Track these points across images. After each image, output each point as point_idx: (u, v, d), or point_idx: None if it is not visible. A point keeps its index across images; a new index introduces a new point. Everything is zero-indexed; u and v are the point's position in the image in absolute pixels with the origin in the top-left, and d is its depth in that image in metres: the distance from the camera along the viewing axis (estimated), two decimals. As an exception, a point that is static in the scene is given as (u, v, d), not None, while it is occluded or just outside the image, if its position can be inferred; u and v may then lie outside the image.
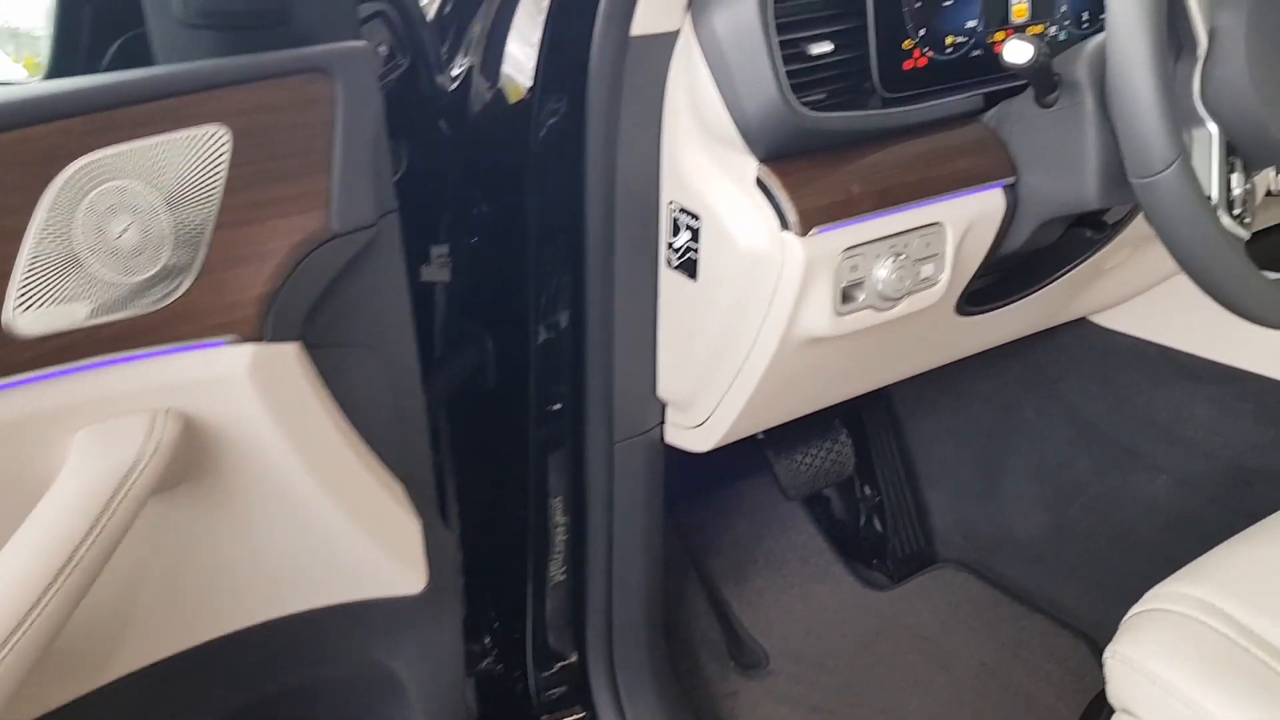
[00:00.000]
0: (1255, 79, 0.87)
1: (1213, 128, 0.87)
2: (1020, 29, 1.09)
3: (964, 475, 1.61)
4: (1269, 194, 1.36)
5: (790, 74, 0.94)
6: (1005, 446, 1.56)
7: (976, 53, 1.07)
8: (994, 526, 1.58)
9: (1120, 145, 0.83)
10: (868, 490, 1.66)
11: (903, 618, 1.51)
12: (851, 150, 0.97)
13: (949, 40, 1.04)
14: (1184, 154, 0.81)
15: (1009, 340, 1.34)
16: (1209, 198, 0.85)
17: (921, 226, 1.00)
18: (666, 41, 0.95)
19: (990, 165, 1.03)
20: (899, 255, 0.98)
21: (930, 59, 1.04)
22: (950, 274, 1.03)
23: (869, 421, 1.65)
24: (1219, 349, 1.31)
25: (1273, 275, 0.89)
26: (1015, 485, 1.55)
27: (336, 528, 0.83)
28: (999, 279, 1.19)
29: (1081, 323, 1.44)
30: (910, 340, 1.13)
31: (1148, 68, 0.80)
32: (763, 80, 0.90)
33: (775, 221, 0.93)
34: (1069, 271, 1.19)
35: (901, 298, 1.00)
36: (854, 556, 1.63)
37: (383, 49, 0.94)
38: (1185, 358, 1.35)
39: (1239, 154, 0.89)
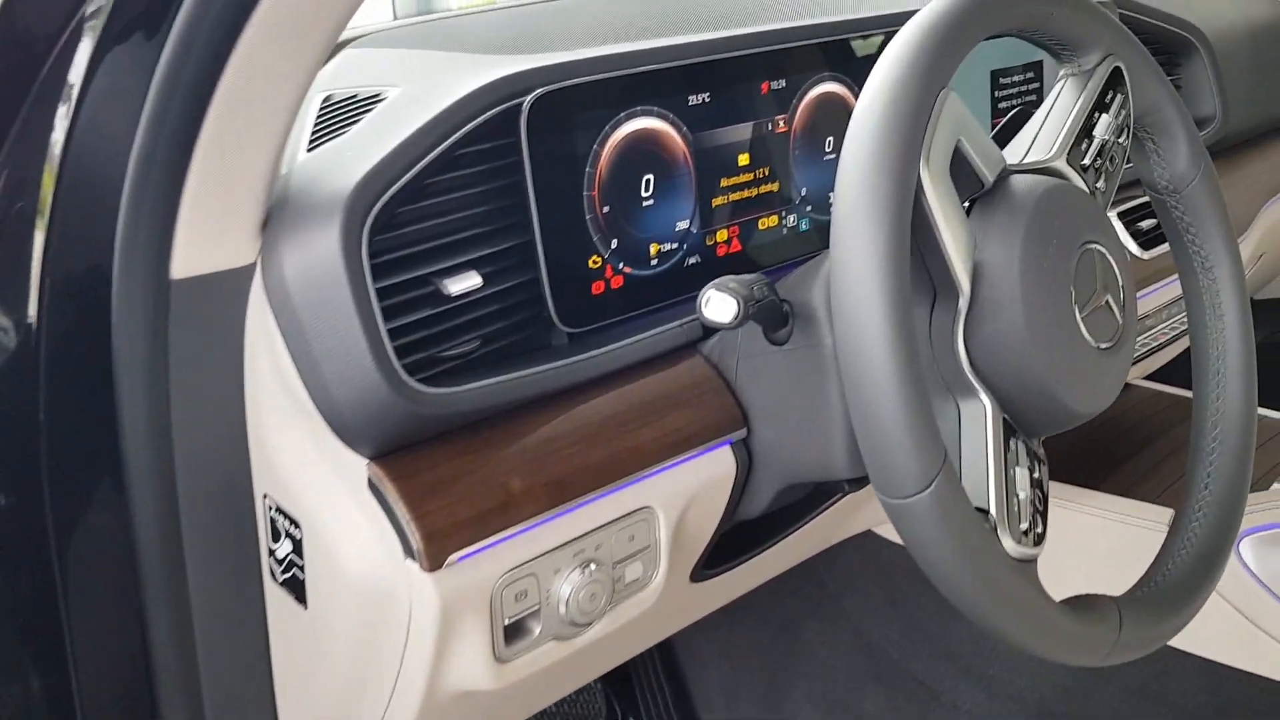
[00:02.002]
0: (1035, 330, 0.63)
1: (986, 401, 0.63)
2: (749, 223, 0.85)
3: (743, 702, 1.34)
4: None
5: (416, 325, 0.66)
6: (788, 670, 1.30)
7: (693, 260, 0.82)
8: (780, 766, 1.31)
9: (860, 448, 0.58)
10: (632, 723, 1.38)
11: None
12: (511, 424, 0.69)
13: (654, 250, 0.79)
14: (945, 466, 0.56)
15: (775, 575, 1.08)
16: (985, 512, 0.61)
17: (621, 517, 0.72)
18: (235, 280, 0.65)
19: (713, 418, 0.77)
20: (589, 565, 0.70)
21: (628, 277, 0.78)
22: (668, 567, 0.76)
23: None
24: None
25: (1065, 604, 0.65)
26: (803, 718, 1.29)
27: None
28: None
29: (865, 533, 1.21)
30: (629, 630, 0.86)
31: (885, 349, 0.55)
32: (352, 352, 0.61)
33: (396, 544, 0.64)
34: (832, 506, 0.95)
35: (598, 619, 0.72)
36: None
37: None
38: (981, 580, 1.13)
39: (1019, 429, 0.65)
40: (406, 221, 0.66)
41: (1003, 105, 1.06)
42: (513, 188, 0.71)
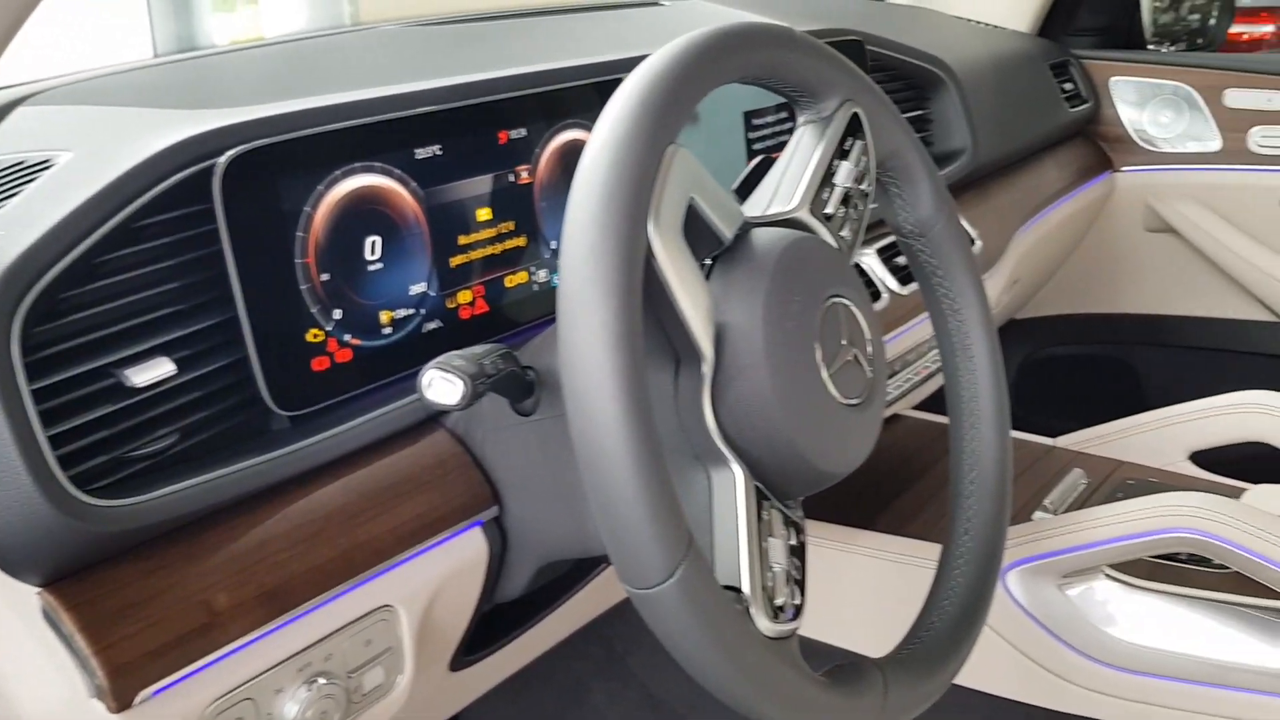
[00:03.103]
0: (781, 391, 0.60)
1: (737, 469, 0.60)
2: (494, 282, 0.79)
3: (536, 773, 1.28)
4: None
5: (92, 426, 0.57)
6: (580, 735, 1.25)
7: (432, 326, 0.75)
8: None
9: (601, 536, 0.53)
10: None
11: None
12: (216, 528, 0.61)
13: (385, 318, 0.72)
14: (690, 552, 0.52)
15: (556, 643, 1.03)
16: (738, 591, 0.57)
17: (355, 620, 0.65)
18: None
19: (460, 498, 0.71)
20: (317, 679, 0.63)
21: (358, 349, 0.71)
22: (416, 667, 0.69)
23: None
24: (815, 625, 1.07)
25: (827, 676, 0.62)
26: (597, 785, 1.24)
27: None
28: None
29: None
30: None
31: (618, 433, 0.50)
32: (1, 468, 0.52)
33: (80, 682, 0.55)
34: (606, 570, 0.90)
35: (333, 736, 0.64)
36: None
37: None
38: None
39: (773, 495, 0.62)
40: (75, 307, 0.57)
41: (758, 147, 1.05)
42: (209, 260, 0.63)
